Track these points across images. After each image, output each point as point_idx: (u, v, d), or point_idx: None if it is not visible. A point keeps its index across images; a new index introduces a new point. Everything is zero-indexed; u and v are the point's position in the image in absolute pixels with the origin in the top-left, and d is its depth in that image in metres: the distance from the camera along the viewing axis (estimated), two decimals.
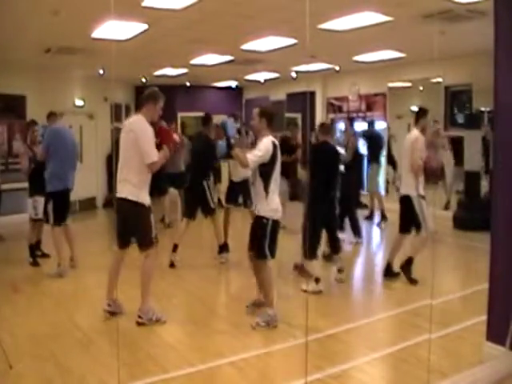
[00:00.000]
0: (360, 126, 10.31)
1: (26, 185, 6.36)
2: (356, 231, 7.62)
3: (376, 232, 8.78)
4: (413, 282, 5.38)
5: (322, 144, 5.53)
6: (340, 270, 5.61)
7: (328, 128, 5.84)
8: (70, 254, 6.02)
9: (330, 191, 5.37)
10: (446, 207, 9.10)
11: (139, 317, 4.32)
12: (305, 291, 5.20)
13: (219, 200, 9.03)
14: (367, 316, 4.63)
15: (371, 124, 9.71)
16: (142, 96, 4.42)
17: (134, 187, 4.21)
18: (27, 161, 6.15)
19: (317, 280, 5.25)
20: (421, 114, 5.59)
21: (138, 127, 4.24)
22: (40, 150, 5.89)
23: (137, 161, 4.20)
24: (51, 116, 6.12)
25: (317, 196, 5.30)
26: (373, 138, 9.16)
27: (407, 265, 5.46)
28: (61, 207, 5.85)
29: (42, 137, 6.01)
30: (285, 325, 4.42)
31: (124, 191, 4.24)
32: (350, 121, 8.60)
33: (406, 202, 5.48)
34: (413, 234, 5.65)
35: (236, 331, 4.33)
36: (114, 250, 4.46)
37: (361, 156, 8.58)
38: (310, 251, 5.27)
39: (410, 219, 5.49)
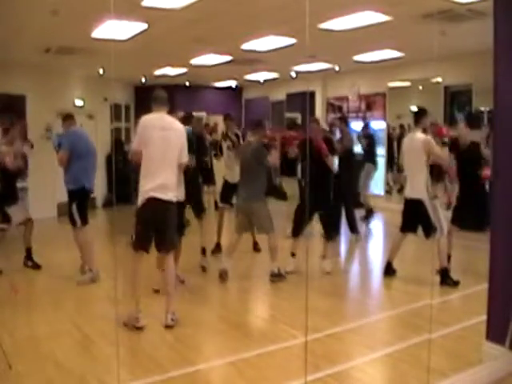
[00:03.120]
0: (359, 125, 10.28)
1: (24, 184, 6.37)
2: (353, 228, 7.70)
3: (372, 231, 8.79)
4: (456, 283, 5.32)
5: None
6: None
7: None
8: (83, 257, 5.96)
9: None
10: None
11: (172, 320, 4.27)
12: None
13: (215, 202, 9.00)
14: (367, 316, 4.64)
15: (366, 125, 9.66)
16: (162, 96, 4.34)
17: (174, 188, 4.26)
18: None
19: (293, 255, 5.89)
20: (421, 114, 5.50)
21: (179, 127, 4.34)
22: (60, 154, 5.64)
23: (176, 161, 4.28)
24: (68, 119, 5.86)
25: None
26: (367, 139, 9.14)
27: (444, 274, 5.36)
28: (83, 207, 5.71)
29: (59, 145, 5.72)
30: (285, 324, 4.42)
31: (169, 193, 4.21)
32: (345, 121, 8.62)
33: (416, 206, 5.36)
34: (412, 236, 5.66)
35: (236, 331, 4.33)
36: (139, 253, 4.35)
37: (354, 155, 8.51)
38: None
39: (416, 221, 5.42)
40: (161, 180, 4.15)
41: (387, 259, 5.75)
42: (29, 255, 6.08)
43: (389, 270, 5.71)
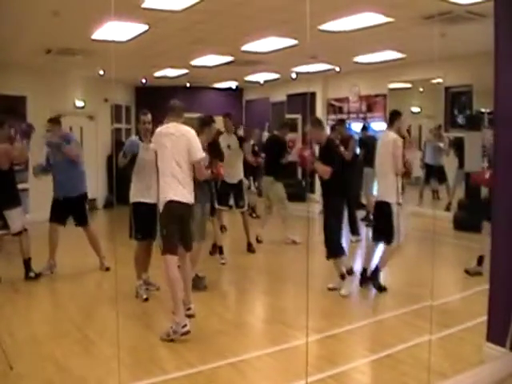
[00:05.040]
0: (360, 126, 10.26)
1: (25, 186, 6.35)
2: (354, 229, 7.78)
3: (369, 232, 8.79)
4: (382, 289, 5.25)
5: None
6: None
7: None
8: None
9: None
10: (448, 208, 9.10)
11: (189, 309, 4.40)
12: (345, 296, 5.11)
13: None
14: (367, 317, 4.63)
15: (365, 128, 9.62)
16: (178, 106, 4.39)
17: (186, 190, 4.26)
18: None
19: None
20: (396, 116, 5.42)
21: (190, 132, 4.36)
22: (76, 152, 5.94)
23: (188, 164, 4.28)
24: (57, 121, 6.08)
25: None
26: (366, 143, 9.14)
27: (375, 274, 5.27)
28: None
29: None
30: (285, 326, 4.42)
31: (180, 194, 4.22)
32: (344, 123, 8.68)
33: (382, 209, 5.18)
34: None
35: (236, 332, 4.33)
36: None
37: (357, 157, 8.59)
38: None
39: (383, 227, 5.24)
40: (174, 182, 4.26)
41: (363, 267, 5.49)
42: (28, 267, 5.72)
43: (364, 279, 5.42)
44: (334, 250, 5.20)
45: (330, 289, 5.28)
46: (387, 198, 5.18)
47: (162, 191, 4.21)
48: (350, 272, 5.29)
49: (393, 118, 5.45)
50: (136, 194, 5.04)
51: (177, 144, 4.23)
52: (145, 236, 5.02)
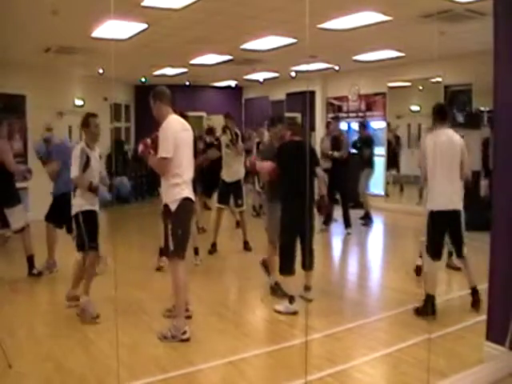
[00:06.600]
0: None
1: (24, 185, 6.33)
2: (347, 223, 8.20)
3: (369, 231, 8.82)
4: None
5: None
6: (307, 288, 4.88)
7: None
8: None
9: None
10: None
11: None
12: (279, 312, 4.63)
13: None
14: (366, 316, 4.63)
15: (363, 126, 9.60)
16: (169, 94, 4.18)
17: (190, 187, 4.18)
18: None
19: (291, 299, 4.63)
20: (446, 111, 4.70)
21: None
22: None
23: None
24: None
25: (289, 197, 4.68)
26: (364, 142, 9.15)
27: (476, 295, 4.61)
28: None
29: (49, 153, 5.97)
30: (285, 325, 4.42)
31: (190, 192, 4.11)
32: (339, 122, 8.77)
33: (451, 218, 4.56)
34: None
35: (236, 331, 4.33)
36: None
37: (352, 154, 8.70)
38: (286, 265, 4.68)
39: (443, 238, 4.64)
40: (187, 178, 4.13)
41: (427, 294, 4.56)
42: (31, 263, 5.72)
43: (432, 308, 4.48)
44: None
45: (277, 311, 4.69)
46: (457, 205, 4.58)
47: (176, 189, 3.97)
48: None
49: (445, 114, 4.63)
50: (83, 203, 4.68)
51: (189, 140, 4.16)
52: (97, 245, 4.78)
